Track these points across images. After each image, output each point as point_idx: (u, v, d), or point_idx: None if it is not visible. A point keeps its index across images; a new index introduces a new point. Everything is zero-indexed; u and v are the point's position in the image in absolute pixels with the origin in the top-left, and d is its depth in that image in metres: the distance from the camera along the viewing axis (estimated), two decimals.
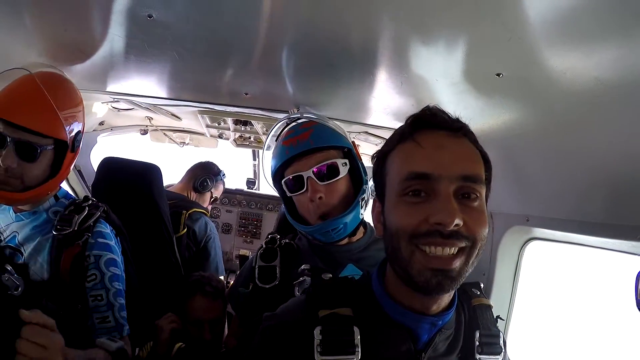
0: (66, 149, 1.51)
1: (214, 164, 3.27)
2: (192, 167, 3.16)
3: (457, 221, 0.78)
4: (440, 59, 1.18)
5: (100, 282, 1.51)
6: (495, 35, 0.97)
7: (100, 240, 1.54)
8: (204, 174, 3.08)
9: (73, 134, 1.52)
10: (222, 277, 2.78)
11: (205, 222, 2.79)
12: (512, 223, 1.63)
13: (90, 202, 1.59)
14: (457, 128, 0.88)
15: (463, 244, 0.80)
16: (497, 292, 1.70)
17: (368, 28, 1.11)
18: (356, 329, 0.87)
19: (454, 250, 0.80)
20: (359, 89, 1.59)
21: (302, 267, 1.14)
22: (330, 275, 0.99)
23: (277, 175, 1.49)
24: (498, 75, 1.12)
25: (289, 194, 1.46)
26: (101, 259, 1.52)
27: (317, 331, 0.87)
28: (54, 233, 1.47)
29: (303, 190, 1.40)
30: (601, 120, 1.07)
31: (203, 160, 3.26)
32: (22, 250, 1.50)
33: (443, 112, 0.90)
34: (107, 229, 1.58)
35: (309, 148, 1.39)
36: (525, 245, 1.69)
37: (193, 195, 3.02)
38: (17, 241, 1.51)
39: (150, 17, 1.17)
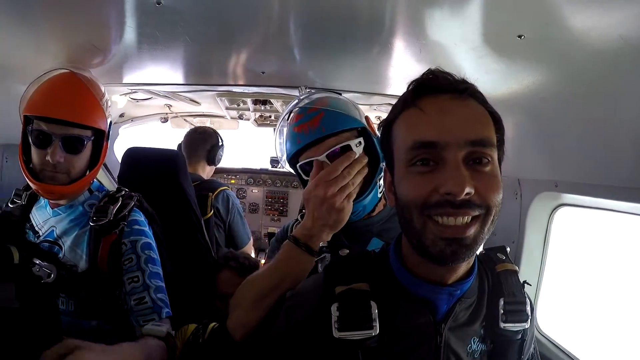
0: (102, 139, 1.59)
1: (206, 128, 3.12)
2: (191, 141, 2.94)
3: (467, 190, 0.74)
4: (459, 22, 1.13)
5: (136, 264, 1.55)
6: None
7: (135, 227, 1.59)
8: (212, 144, 2.94)
9: (108, 126, 1.59)
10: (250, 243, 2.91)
11: (226, 196, 2.79)
12: (540, 189, 1.58)
13: (124, 192, 1.64)
14: (462, 89, 0.82)
15: (476, 212, 0.77)
16: (526, 260, 1.67)
17: None
18: (373, 304, 0.86)
19: (467, 219, 0.77)
20: (377, 59, 1.55)
21: (320, 244, 1.14)
22: (348, 251, 0.97)
23: (292, 159, 1.48)
24: (519, 37, 1.07)
25: (305, 177, 1.44)
26: (137, 243, 1.57)
27: (334, 307, 0.86)
28: (91, 224, 1.53)
29: None
30: (628, 79, 1.02)
31: (193, 131, 3.05)
32: (61, 244, 1.56)
33: (446, 73, 0.85)
34: (141, 217, 1.64)
35: (321, 136, 1.36)
36: (555, 211, 1.64)
37: (206, 170, 2.95)
38: (55, 235, 1.57)
39: (158, 4, 1.16)
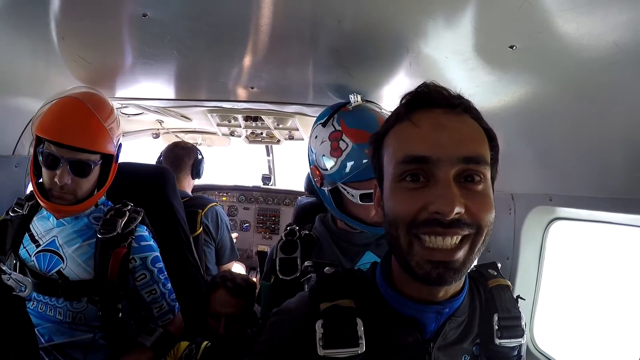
0: (111, 161, 1.67)
1: (186, 143, 3.10)
2: (175, 156, 2.87)
3: (457, 209, 0.72)
4: (449, 34, 1.12)
5: (151, 279, 1.72)
6: (506, 4, 0.92)
7: (142, 243, 1.71)
8: (195, 158, 2.91)
9: (116, 146, 1.67)
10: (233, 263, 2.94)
11: (215, 212, 2.79)
12: (534, 203, 1.56)
13: (130, 206, 1.72)
14: (456, 104, 0.81)
15: (466, 232, 0.75)
16: (522, 276, 1.63)
17: (372, 7, 1.06)
18: (359, 321, 0.84)
19: (456, 239, 0.74)
20: (367, 74, 1.55)
21: (306, 263, 1.12)
22: (333, 270, 0.95)
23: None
24: (511, 47, 1.06)
25: (357, 200, 1.40)
26: (147, 259, 1.71)
27: (318, 324, 0.84)
28: (99, 236, 1.60)
29: None
30: (622, 87, 1.00)
31: (173, 146, 2.97)
32: (62, 253, 1.61)
33: (441, 87, 0.83)
34: (145, 231, 1.75)
35: None
36: (549, 225, 1.61)
37: (190, 183, 2.93)
38: (57, 244, 1.62)
39: (145, 16, 1.14)
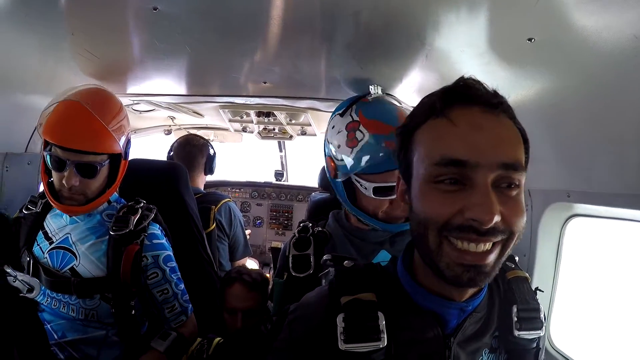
0: (120, 159, 1.67)
1: (199, 138, 2.99)
2: (188, 153, 2.82)
3: (496, 219, 0.70)
4: (465, 27, 1.09)
5: (163, 278, 1.70)
6: None
7: (154, 241, 1.70)
8: (208, 154, 2.86)
9: (124, 144, 1.67)
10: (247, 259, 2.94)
11: (229, 208, 2.79)
12: (552, 200, 1.52)
13: (142, 204, 1.73)
14: (495, 104, 0.76)
15: (499, 238, 0.73)
16: (539, 274, 1.60)
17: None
18: (381, 315, 0.82)
19: (488, 245, 0.73)
20: (381, 67, 1.52)
21: (324, 257, 1.10)
22: (353, 263, 0.94)
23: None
24: (529, 40, 1.03)
25: (370, 194, 1.38)
26: (159, 258, 1.70)
27: (339, 318, 0.82)
28: (112, 233, 1.60)
29: (393, 197, 1.34)
30: None
31: (185, 143, 2.89)
32: (75, 250, 1.62)
33: (479, 83, 0.79)
34: (158, 229, 1.74)
35: None
36: (567, 222, 1.58)
37: (203, 179, 2.91)
38: (70, 241, 1.63)
39: (155, 10, 1.14)
